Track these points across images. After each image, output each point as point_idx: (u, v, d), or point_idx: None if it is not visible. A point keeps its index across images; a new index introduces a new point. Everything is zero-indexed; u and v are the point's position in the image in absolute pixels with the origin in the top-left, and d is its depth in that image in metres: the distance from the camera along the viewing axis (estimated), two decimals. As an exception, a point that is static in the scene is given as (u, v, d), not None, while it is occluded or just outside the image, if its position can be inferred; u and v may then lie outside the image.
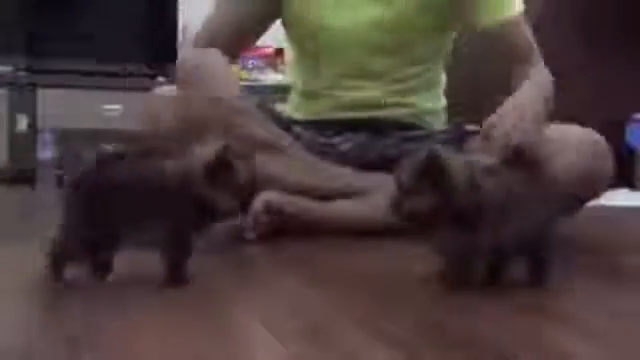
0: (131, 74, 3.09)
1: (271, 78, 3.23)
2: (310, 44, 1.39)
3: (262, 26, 1.41)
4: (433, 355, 0.60)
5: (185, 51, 1.36)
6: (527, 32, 1.33)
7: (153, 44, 3.29)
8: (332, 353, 0.59)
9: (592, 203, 1.24)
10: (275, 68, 3.28)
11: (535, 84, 1.22)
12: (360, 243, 1.17)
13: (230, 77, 1.26)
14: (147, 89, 1.45)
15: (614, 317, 0.74)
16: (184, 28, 3.34)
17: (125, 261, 0.86)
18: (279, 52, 3.19)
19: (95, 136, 2.94)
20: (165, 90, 1.32)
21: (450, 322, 0.70)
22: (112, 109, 2.98)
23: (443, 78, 1.49)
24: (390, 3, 1.32)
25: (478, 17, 1.31)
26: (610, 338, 0.66)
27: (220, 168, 0.80)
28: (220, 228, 1.01)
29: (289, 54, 2.90)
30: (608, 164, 1.17)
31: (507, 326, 0.69)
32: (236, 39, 1.38)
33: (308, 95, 1.44)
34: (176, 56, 3.35)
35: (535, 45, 1.33)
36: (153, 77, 3.09)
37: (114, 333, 0.64)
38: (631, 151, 2.66)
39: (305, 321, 0.70)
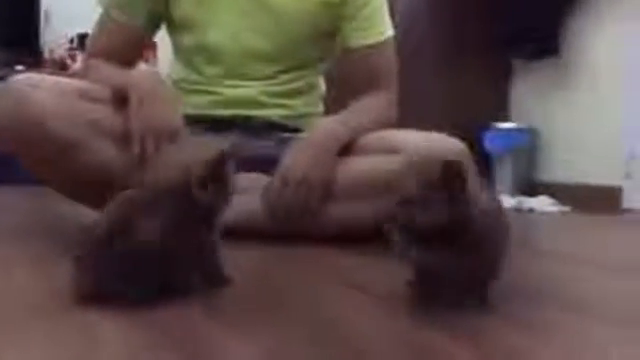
0: (-14, 61, 2.87)
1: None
2: (193, 45, 1.39)
3: (154, 29, 1.43)
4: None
5: (108, 70, 1.29)
6: (389, 58, 1.40)
7: (12, 30, 3.08)
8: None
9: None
10: (147, 61, 3.17)
11: (344, 118, 1.30)
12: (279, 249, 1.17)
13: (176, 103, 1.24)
14: (3, 77, 1.34)
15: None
16: (46, 14, 3.16)
17: None
18: (152, 46, 3.09)
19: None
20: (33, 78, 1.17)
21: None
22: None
23: (322, 84, 1.52)
24: (271, 13, 1.35)
25: (348, 37, 1.37)
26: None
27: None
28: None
29: (162, 48, 2.82)
30: (472, 170, 1.24)
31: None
32: (134, 49, 1.42)
33: (186, 90, 1.42)
34: (37, 43, 3.16)
35: (393, 70, 1.40)
36: (11, 65, 2.89)
37: None
38: (487, 157, 2.86)
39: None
